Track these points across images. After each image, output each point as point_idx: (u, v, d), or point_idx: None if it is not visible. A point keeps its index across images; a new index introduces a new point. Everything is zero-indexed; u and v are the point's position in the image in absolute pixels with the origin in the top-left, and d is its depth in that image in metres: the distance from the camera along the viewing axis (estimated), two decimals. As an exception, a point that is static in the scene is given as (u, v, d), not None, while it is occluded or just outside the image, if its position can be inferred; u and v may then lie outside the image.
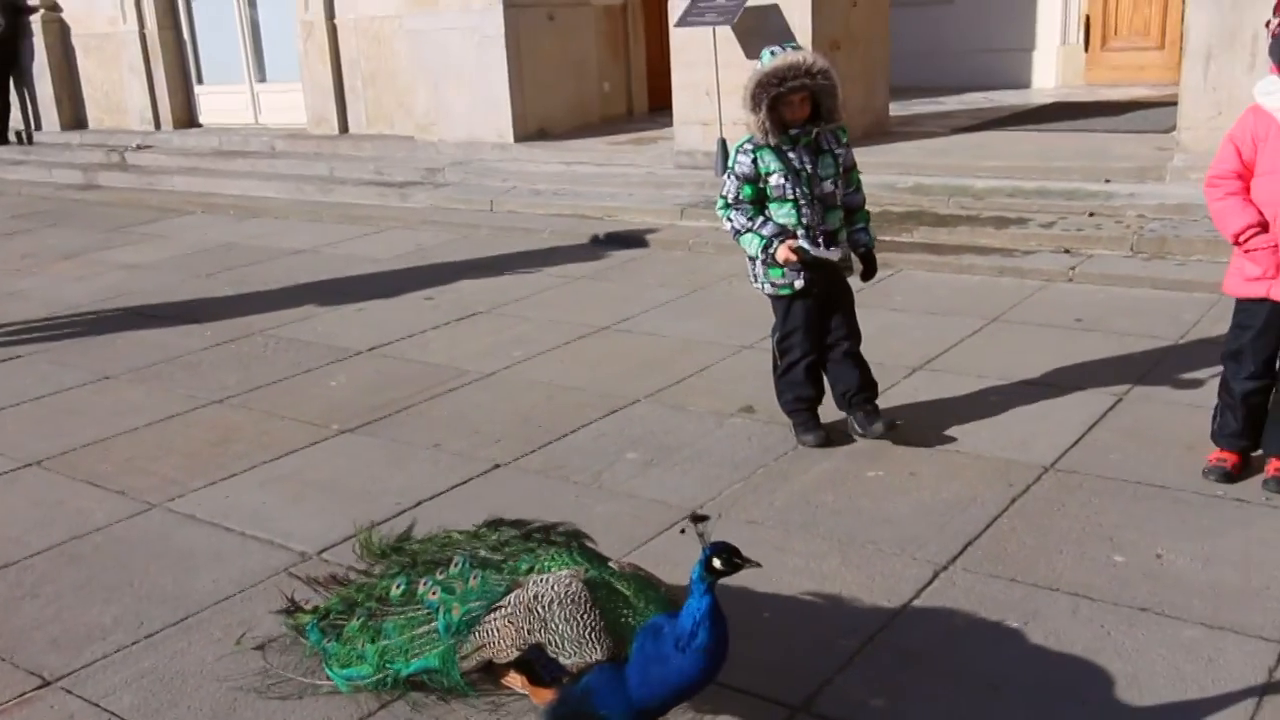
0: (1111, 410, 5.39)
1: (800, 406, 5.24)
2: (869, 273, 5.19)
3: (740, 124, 10.57)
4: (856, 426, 5.17)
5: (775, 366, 5.26)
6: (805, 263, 4.89)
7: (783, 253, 4.86)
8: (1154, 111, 11.28)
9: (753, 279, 5.14)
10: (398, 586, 3.35)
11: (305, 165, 13.20)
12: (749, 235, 4.94)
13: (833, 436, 5.17)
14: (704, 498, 4.75)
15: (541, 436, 5.50)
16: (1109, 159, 9.38)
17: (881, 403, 5.38)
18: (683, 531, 2.89)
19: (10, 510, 4.98)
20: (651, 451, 5.26)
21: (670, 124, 11.48)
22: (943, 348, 6.41)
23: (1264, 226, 4.29)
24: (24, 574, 4.40)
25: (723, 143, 10.51)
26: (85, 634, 3.94)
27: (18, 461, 5.52)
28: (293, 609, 3.62)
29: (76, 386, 6.64)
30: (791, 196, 4.88)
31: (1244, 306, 4.49)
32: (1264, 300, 4.37)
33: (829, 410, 5.27)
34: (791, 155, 4.87)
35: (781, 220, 4.91)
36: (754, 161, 4.88)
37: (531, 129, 12.61)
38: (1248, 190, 4.33)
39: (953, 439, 5.18)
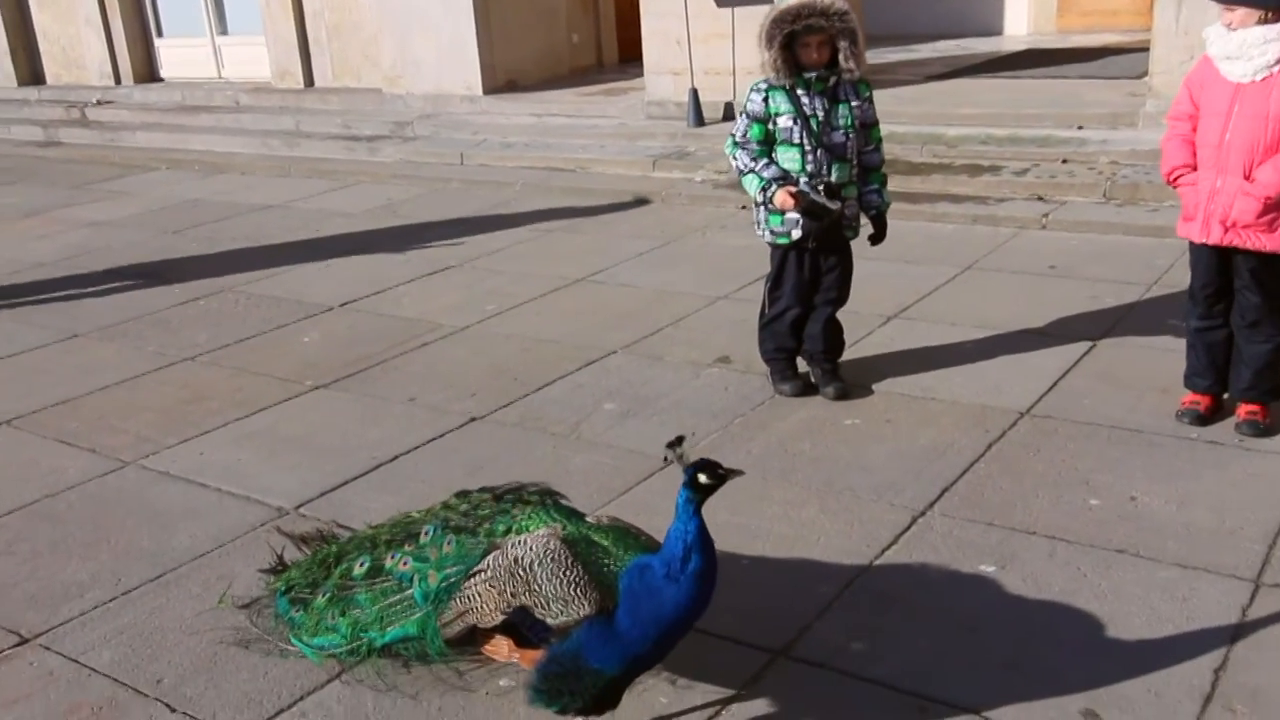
0: (1086, 356, 5.42)
1: (780, 356, 5.22)
2: (878, 237, 5.04)
3: (712, 72, 10.53)
4: (813, 380, 5.20)
5: (762, 314, 5.23)
6: (804, 212, 4.76)
7: (780, 197, 4.74)
8: (1126, 57, 11.29)
9: (755, 225, 5.06)
10: (361, 565, 3.23)
11: (271, 120, 13.02)
12: (750, 176, 4.83)
13: (809, 386, 5.18)
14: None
15: (517, 389, 5.48)
16: (1081, 105, 9.38)
17: (856, 352, 5.43)
18: (665, 460, 2.85)
19: (-20, 470, 4.92)
20: (629, 402, 5.25)
21: (641, 74, 11.39)
22: (917, 296, 6.42)
23: (1191, 168, 4.43)
24: (-3, 533, 4.36)
25: (694, 93, 10.44)
26: (62, 591, 3.91)
27: (-14, 421, 5.46)
28: (280, 568, 3.54)
29: (43, 345, 6.55)
30: (797, 141, 4.76)
31: (1189, 248, 4.61)
32: (1196, 243, 4.48)
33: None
34: (804, 99, 4.74)
35: (785, 165, 4.80)
36: (764, 100, 4.77)
37: (500, 81, 12.47)
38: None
39: (928, 386, 5.20)
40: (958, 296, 6.42)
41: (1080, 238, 7.34)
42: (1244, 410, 4.55)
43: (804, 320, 5.14)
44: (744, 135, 4.83)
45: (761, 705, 3.15)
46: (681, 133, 10.38)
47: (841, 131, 4.79)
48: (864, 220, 5.02)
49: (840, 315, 5.19)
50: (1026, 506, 4.12)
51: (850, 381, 5.18)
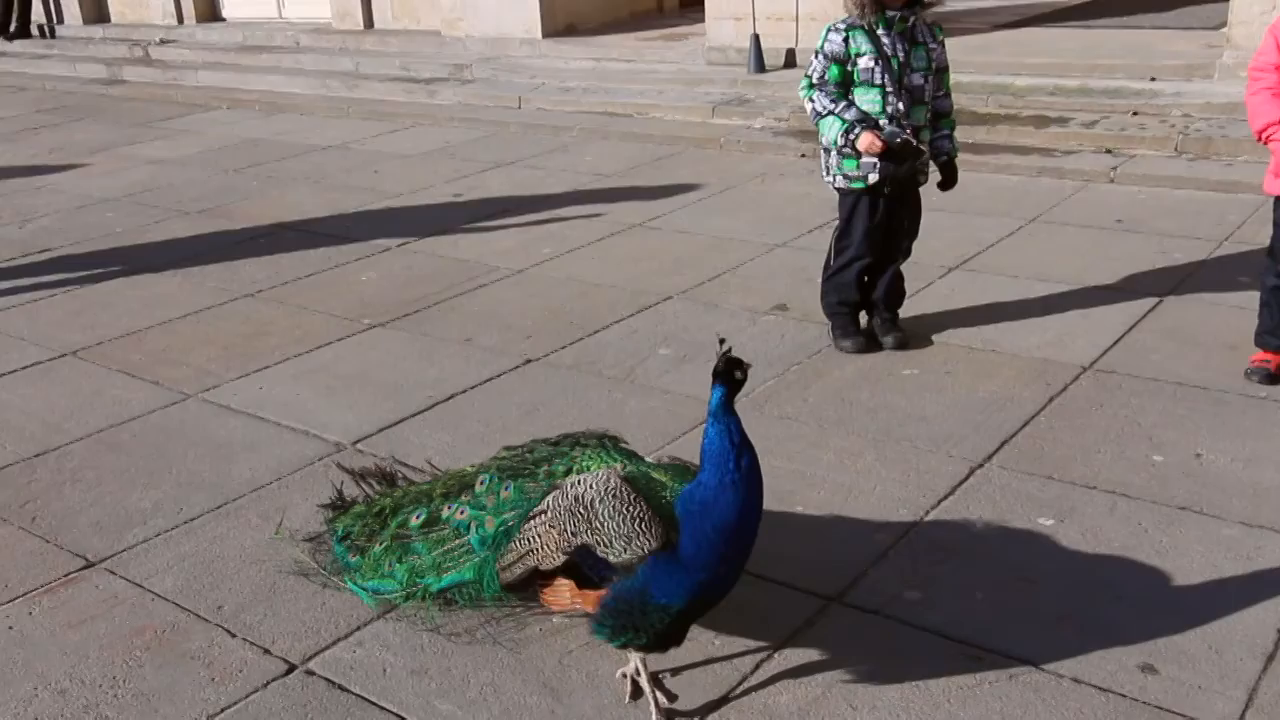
0: (1152, 311, 5.30)
1: (843, 310, 5.09)
2: (947, 183, 4.92)
3: (775, 18, 10.37)
4: (874, 329, 5.13)
5: (827, 266, 5.11)
6: (890, 155, 4.64)
7: (866, 139, 4.59)
8: (1203, 7, 10.94)
9: (824, 171, 4.92)
10: (417, 516, 3.25)
11: (330, 61, 13.03)
12: (830, 119, 4.66)
13: (871, 343, 5.09)
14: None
15: (573, 332, 5.48)
16: (1155, 56, 9.12)
17: (916, 302, 5.35)
18: (723, 347, 2.81)
19: (48, 399, 5.02)
20: (684, 347, 5.23)
21: (702, 20, 11.23)
22: (979, 248, 6.31)
23: None
24: (64, 460, 4.45)
25: (756, 39, 10.29)
26: (126, 518, 3.99)
27: (53, 351, 5.55)
28: (340, 503, 3.58)
29: (108, 279, 6.64)
30: (879, 82, 4.63)
31: (1274, 204, 4.44)
32: None
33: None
34: (885, 40, 4.62)
35: (866, 107, 4.66)
36: (845, 40, 4.63)
37: (560, 25, 12.36)
38: None
39: (989, 339, 5.12)
40: (1021, 249, 6.30)
41: (1149, 192, 7.16)
42: None
43: (871, 271, 5.03)
44: (821, 76, 4.69)
45: (814, 650, 3.14)
46: (742, 79, 10.25)
47: (920, 74, 4.68)
48: (932, 167, 4.91)
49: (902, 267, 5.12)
50: (1087, 461, 4.06)
51: (910, 331, 5.11)
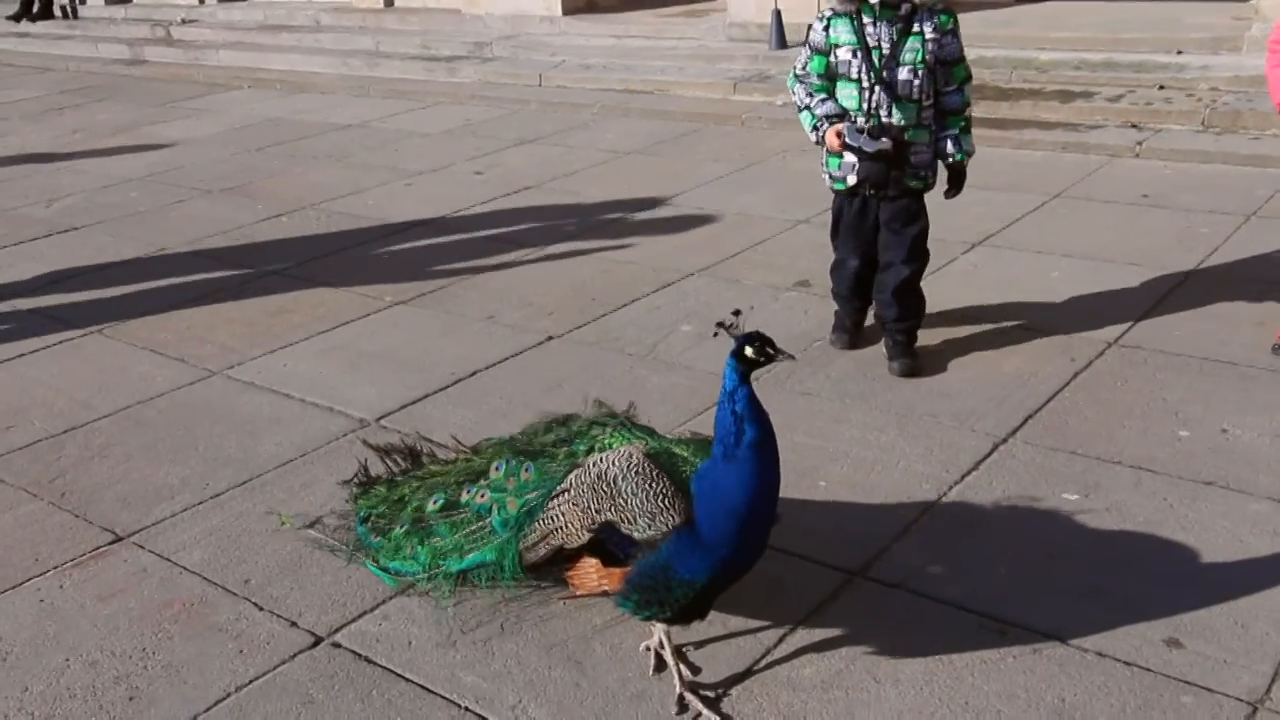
0: (1178, 287, 5.26)
1: (839, 301, 4.86)
2: (952, 189, 4.50)
3: (796, -6, 10.29)
4: (884, 351, 4.70)
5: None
6: (860, 156, 4.31)
7: (829, 137, 4.29)
8: (1230, -19, 10.79)
9: (821, 166, 4.61)
10: (435, 502, 3.27)
11: (351, 39, 13.04)
12: (805, 113, 4.41)
13: (856, 341, 4.81)
14: (759, 370, 4.70)
15: (595, 309, 5.48)
16: (1181, 29, 9.03)
17: (939, 278, 5.30)
18: (715, 335, 2.78)
19: (75, 375, 5.06)
20: (706, 324, 5.21)
21: (723, -5, 11.17)
22: (1003, 224, 6.28)
23: None
24: (92, 436, 4.49)
25: (777, 14, 10.23)
26: (154, 493, 4.02)
27: (80, 329, 5.59)
28: (365, 480, 3.61)
29: (133, 258, 6.68)
30: (855, 76, 4.27)
31: None
32: None
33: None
34: (870, 29, 4.23)
35: (845, 103, 4.32)
36: (826, 29, 4.32)
37: (580, 2, 12.33)
38: None
39: (1013, 314, 5.09)
40: (1045, 225, 6.26)
41: (1175, 167, 7.10)
42: None
43: (865, 277, 4.70)
44: (804, 68, 4.41)
45: (838, 624, 3.15)
46: (763, 55, 10.20)
47: (908, 68, 4.23)
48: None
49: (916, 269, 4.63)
50: (1112, 436, 4.04)
51: (922, 357, 4.63)
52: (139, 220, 7.45)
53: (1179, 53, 8.64)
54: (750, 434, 2.66)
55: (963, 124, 4.40)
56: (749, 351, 2.69)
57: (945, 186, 4.51)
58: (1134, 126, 7.72)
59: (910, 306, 4.62)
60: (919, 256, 4.60)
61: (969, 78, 4.41)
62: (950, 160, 4.42)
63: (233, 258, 6.58)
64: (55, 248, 6.95)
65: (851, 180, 4.45)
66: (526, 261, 6.24)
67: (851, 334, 4.83)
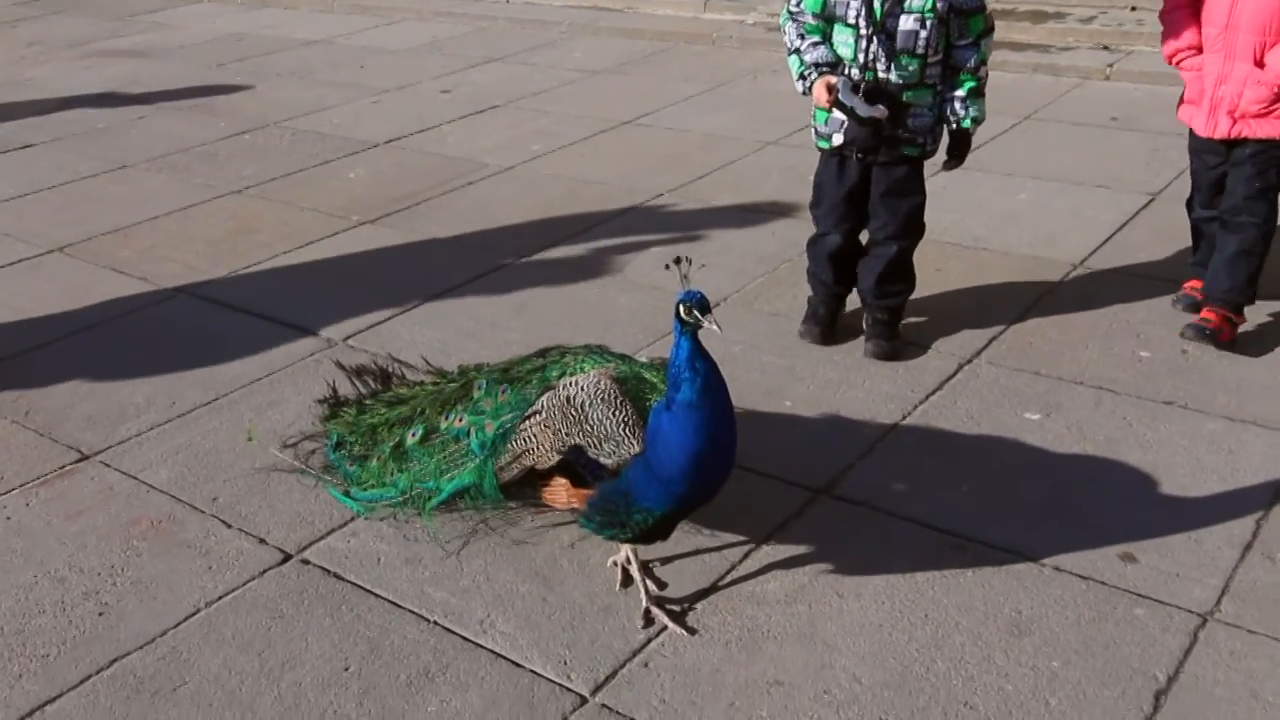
0: (1144, 209, 5.30)
1: (818, 286, 4.26)
2: (954, 159, 3.97)
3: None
4: (864, 328, 4.24)
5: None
6: (850, 116, 3.79)
7: (817, 90, 3.78)
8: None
9: (810, 117, 4.11)
10: (413, 435, 3.26)
11: (314, -48, 12.67)
12: (793, 57, 3.90)
13: (829, 335, 4.24)
14: (728, 290, 4.73)
15: (564, 229, 5.45)
16: (1155, -49, 8.94)
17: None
18: (667, 267, 2.76)
19: (38, 294, 5.00)
20: (675, 244, 5.21)
21: (695, -90, 10.94)
22: (973, 145, 6.25)
23: (1197, 49, 4.00)
24: (56, 355, 4.44)
25: (750, -70, 10.01)
26: (119, 412, 4.00)
27: (41, 248, 5.51)
28: (334, 400, 3.61)
29: (93, 175, 6.56)
30: (852, 21, 3.75)
31: (1189, 134, 4.21)
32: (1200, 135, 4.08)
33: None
34: None
35: (840, 50, 3.82)
36: None
37: (549, -86, 12.02)
38: None
39: (980, 236, 5.11)
40: (1013, 147, 6.26)
41: (1145, 89, 7.09)
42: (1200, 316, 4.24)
43: (847, 256, 4.18)
44: (798, 4, 3.88)
45: (802, 541, 3.20)
46: (735, -28, 10.03)
47: (914, 16, 3.70)
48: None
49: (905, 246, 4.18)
50: (1075, 357, 4.09)
51: (903, 339, 4.20)
52: (98, 137, 7.30)
53: (1152, -26, 8.58)
54: (685, 393, 2.63)
55: (974, 84, 3.81)
56: (680, 310, 2.65)
57: (945, 157, 4.00)
58: (1105, 48, 7.70)
59: (897, 283, 4.16)
60: (912, 232, 4.11)
61: (989, 30, 3.81)
62: (955, 126, 3.88)
63: (196, 176, 6.47)
64: (11, 165, 6.80)
65: (838, 140, 3.95)
66: (494, 180, 6.18)
67: (825, 325, 4.24)
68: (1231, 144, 4.01)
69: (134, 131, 7.38)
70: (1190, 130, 4.17)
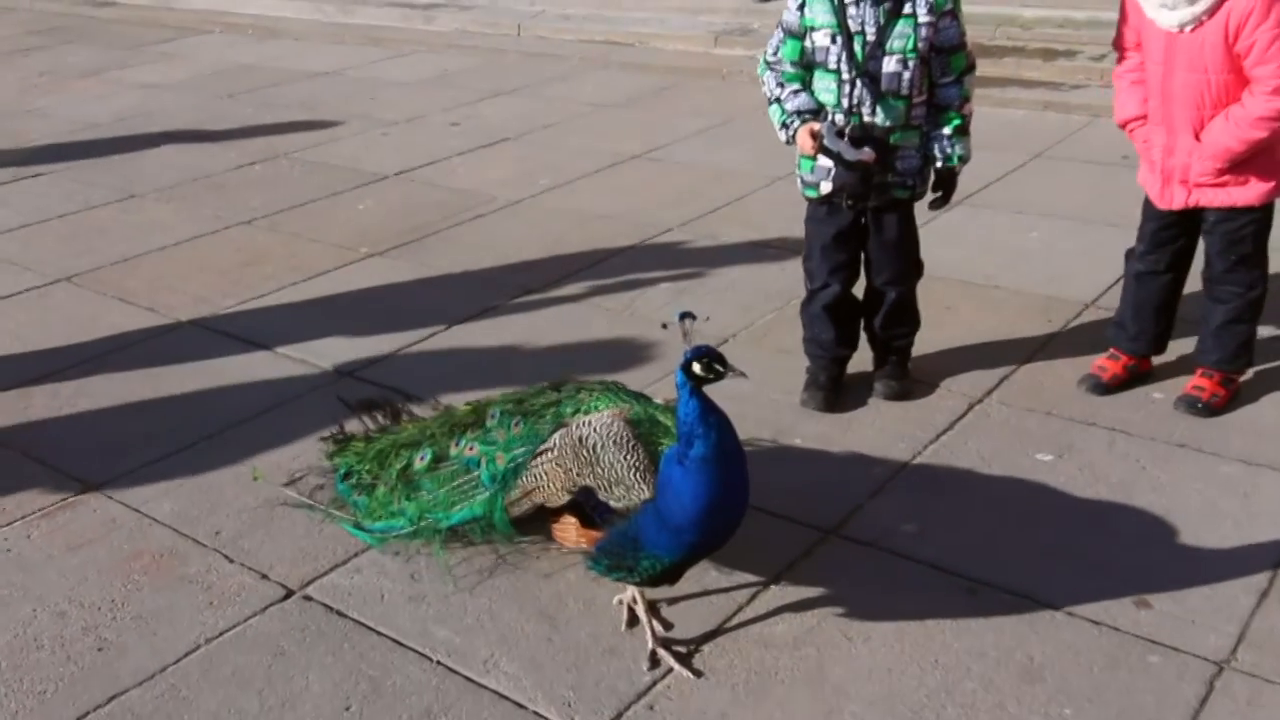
0: (1155, 249, 5.25)
1: (817, 352, 4.10)
2: (940, 199, 3.90)
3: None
4: (872, 367, 4.20)
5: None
6: (836, 162, 3.71)
7: (801, 137, 3.71)
8: (1214, -58, 10.74)
9: (795, 166, 4.06)
10: (422, 459, 3.23)
11: (326, -16, 12.78)
12: (774, 106, 3.81)
13: (833, 402, 4.04)
14: (737, 326, 4.71)
15: (572, 263, 5.44)
16: (1164, -10, 8.97)
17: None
18: (664, 326, 2.72)
19: (43, 324, 4.98)
20: (683, 280, 5.19)
21: (705, -54, 11.02)
22: (982, 183, 6.25)
23: (1144, 119, 3.84)
24: (61, 386, 4.42)
25: (760, -34, 10.09)
26: (123, 444, 3.97)
27: (48, 277, 5.50)
28: (341, 436, 3.58)
29: (102, 205, 6.57)
30: (833, 66, 3.68)
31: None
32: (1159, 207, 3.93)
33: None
34: (853, 10, 3.63)
35: (822, 96, 3.75)
36: (801, 9, 3.72)
37: (560, -50, 12.11)
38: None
39: (990, 274, 5.09)
40: (1025, 184, 6.25)
41: (1155, 128, 7.08)
42: (1193, 384, 4.09)
43: (846, 306, 4.06)
44: (775, 53, 3.81)
45: (811, 582, 3.16)
46: (746, 8, 10.11)
47: (896, 58, 3.64)
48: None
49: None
50: (1086, 398, 4.05)
51: (912, 378, 4.14)
52: (108, 166, 7.32)
53: (1161, 13, 8.61)
54: (699, 449, 2.60)
55: (959, 122, 3.76)
56: (697, 369, 2.61)
57: (931, 199, 3.93)
58: (1115, 87, 7.70)
59: (902, 325, 4.11)
60: (911, 274, 4.05)
61: (970, 68, 3.78)
62: (939, 166, 3.82)
63: (205, 206, 6.48)
64: (21, 194, 6.82)
65: (826, 188, 3.85)
66: (503, 214, 6.18)
67: (828, 392, 4.06)
68: (1193, 212, 3.87)
69: (143, 161, 7.40)
70: (1146, 198, 4.03)
